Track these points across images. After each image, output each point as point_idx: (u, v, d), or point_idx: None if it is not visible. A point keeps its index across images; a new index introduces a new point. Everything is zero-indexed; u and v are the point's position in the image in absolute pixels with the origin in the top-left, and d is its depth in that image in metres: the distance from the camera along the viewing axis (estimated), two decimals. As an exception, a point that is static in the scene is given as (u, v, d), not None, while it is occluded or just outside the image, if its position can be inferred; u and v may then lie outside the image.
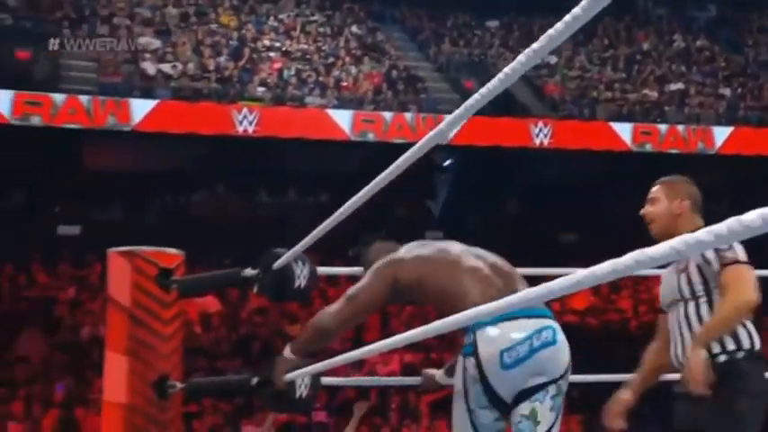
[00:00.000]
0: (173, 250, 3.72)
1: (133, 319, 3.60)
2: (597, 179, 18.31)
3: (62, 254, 14.93)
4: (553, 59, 19.50)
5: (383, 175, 2.39)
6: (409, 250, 3.44)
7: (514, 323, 3.05)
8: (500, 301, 1.65)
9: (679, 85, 19.17)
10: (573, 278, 1.39)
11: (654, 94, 18.73)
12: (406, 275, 3.32)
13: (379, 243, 3.67)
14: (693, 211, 3.51)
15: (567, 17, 1.36)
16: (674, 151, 16.87)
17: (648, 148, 16.80)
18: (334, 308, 3.38)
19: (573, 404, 12.92)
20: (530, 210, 18.92)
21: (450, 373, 3.50)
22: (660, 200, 3.53)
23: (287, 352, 3.44)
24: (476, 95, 1.69)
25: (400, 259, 3.38)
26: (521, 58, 1.48)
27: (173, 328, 3.67)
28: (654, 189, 3.58)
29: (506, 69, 1.53)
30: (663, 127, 17.08)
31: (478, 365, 3.06)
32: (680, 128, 17.11)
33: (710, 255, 3.31)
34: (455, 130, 15.21)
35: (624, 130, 16.80)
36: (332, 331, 3.39)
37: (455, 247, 3.42)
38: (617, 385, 3.66)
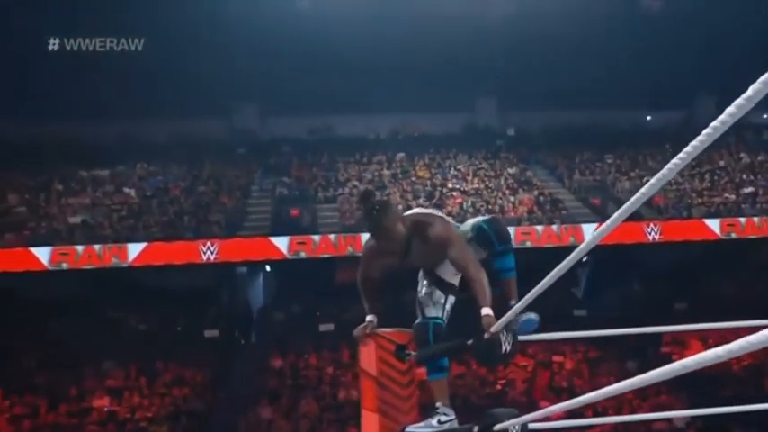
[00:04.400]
0: (405, 330, 3.57)
1: (380, 385, 3.48)
2: (697, 261, 17.36)
3: (323, 344, 15.23)
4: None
5: (556, 269, 2.19)
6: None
7: None
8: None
9: (750, 189, 18.19)
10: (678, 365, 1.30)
11: (732, 197, 17.84)
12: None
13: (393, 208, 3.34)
14: None
15: (675, 160, 1.34)
16: (752, 236, 15.94)
17: (733, 235, 15.97)
18: (477, 269, 3.20)
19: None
20: (649, 288, 18.01)
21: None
22: None
23: (486, 310, 3.07)
24: (623, 208, 1.60)
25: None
26: (643, 190, 1.46)
27: (409, 391, 3.54)
28: None
29: (638, 195, 1.48)
30: (742, 220, 16.19)
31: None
32: (755, 219, 16.21)
33: None
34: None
35: (714, 224, 15.97)
36: None
37: None
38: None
